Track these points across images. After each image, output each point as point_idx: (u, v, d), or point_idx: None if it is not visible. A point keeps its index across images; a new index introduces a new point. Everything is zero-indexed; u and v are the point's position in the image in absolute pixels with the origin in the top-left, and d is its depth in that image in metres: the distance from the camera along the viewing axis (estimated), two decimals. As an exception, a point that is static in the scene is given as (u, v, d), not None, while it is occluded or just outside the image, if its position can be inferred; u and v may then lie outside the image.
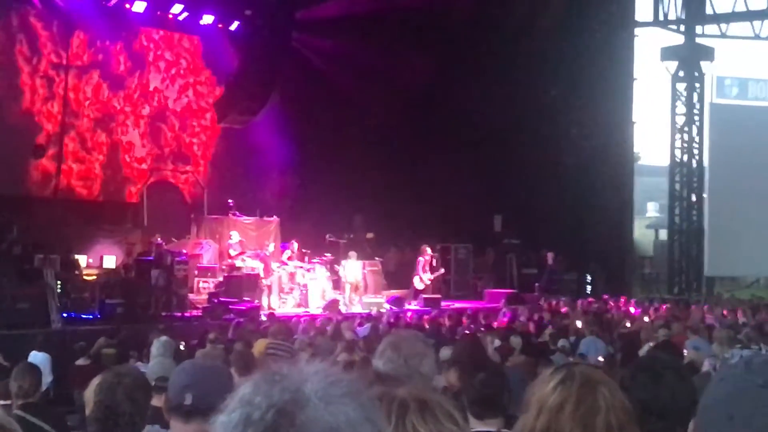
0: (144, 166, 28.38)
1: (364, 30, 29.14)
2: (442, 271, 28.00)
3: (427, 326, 18.29)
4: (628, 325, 20.21)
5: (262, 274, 24.64)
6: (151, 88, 28.68)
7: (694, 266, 36.97)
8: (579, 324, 18.37)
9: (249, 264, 24.83)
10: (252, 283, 24.08)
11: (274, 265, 24.95)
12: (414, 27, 30.27)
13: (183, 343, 15.71)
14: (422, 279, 27.08)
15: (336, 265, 25.81)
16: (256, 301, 23.38)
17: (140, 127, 28.42)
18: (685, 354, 14.04)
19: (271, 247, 25.85)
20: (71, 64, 26.09)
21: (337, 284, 26.12)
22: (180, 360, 12.24)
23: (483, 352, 13.34)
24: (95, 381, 4.62)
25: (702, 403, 2.30)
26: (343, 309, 23.90)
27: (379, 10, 28.80)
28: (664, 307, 25.05)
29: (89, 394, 4.68)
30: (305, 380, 2.00)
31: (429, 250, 27.59)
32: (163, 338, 10.00)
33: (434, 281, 27.48)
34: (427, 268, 27.29)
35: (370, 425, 2.00)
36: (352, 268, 25.85)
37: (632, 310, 24.56)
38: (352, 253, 26.21)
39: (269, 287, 24.51)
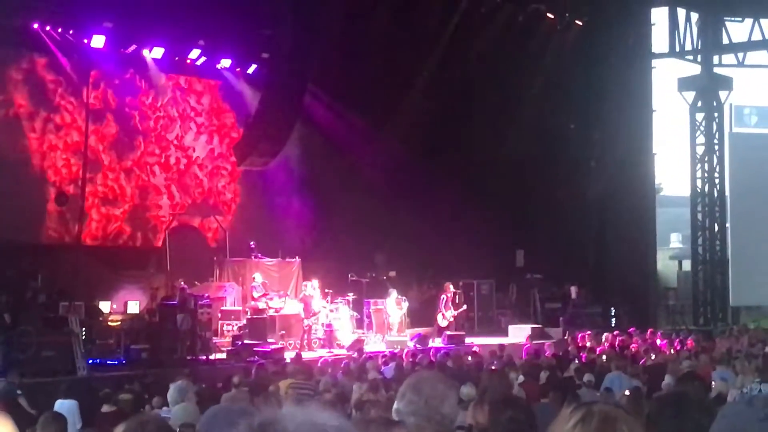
0: (167, 212, 28.45)
1: (379, 63, 29.28)
2: (465, 307, 27.98)
3: (450, 363, 18.24)
4: (653, 357, 20.11)
5: (302, 315, 24.67)
6: (173, 134, 28.82)
7: (718, 296, 36.81)
8: (604, 358, 18.32)
9: (273, 305, 24.86)
10: (280, 324, 24.13)
11: (315, 306, 24.91)
12: (433, 60, 30.41)
13: (204, 386, 15.76)
14: (445, 316, 27.07)
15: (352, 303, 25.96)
16: (285, 342, 23.44)
17: (163, 173, 28.52)
18: (713, 385, 14.01)
19: (309, 289, 25.60)
20: (91, 111, 26.24)
21: (360, 323, 26.15)
22: (204, 404, 12.29)
23: (510, 388, 13.34)
24: (118, 429, 4.64)
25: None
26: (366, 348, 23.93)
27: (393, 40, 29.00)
28: (690, 338, 24.90)
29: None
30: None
31: (451, 287, 27.59)
32: (180, 382, 9.92)
33: (457, 318, 27.45)
34: (450, 305, 27.27)
35: None
36: (394, 304, 26.12)
37: (658, 342, 24.43)
38: (392, 290, 26.43)
39: (309, 328, 24.56)
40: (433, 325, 27.39)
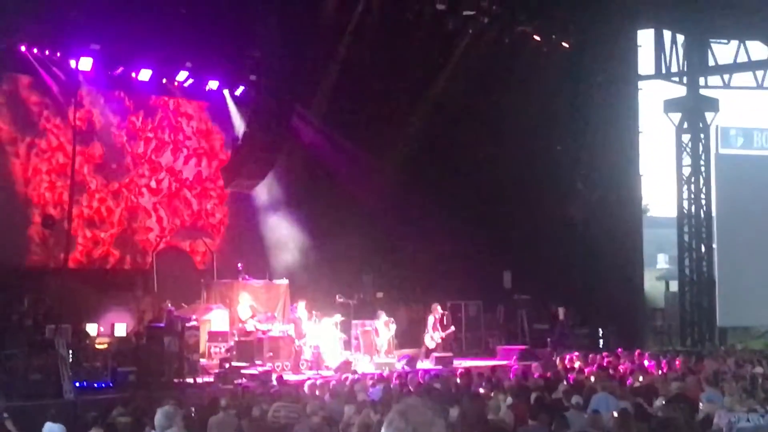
0: (154, 234, 28.41)
1: (366, 85, 29.39)
2: (453, 329, 27.96)
3: (438, 386, 18.22)
4: (641, 378, 20.11)
5: (293, 334, 24.65)
6: (161, 156, 28.80)
7: (706, 317, 36.90)
8: (592, 379, 18.32)
9: (261, 327, 24.81)
10: (268, 346, 24.08)
11: (305, 328, 24.91)
12: (420, 82, 30.50)
13: (193, 409, 15.71)
14: (433, 337, 27.06)
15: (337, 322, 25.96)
16: (276, 364, 23.41)
17: (151, 195, 28.48)
18: (700, 407, 14.04)
19: (298, 310, 25.60)
20: (77, 133, 26.18)
21: (347, 345, 26.12)
22: (192, 428, 12.24)
23: (489, 412, 13.37)
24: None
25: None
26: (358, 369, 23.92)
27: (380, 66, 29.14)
28: (679, 360, 24.92)
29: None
30: None
31: (439, 308, 27.60)
32: (167, 407, 9.83)
33: (445, 339, 27.43)
34: (438, 326, 27.27)
35: None
36: (383, 326, 26.20)
37: (645, 363, 24.45)
38: (380, 312, 26.46)
39: (300, 348, 24.53)
40: (421, 347, 27.36)
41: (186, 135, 29.45)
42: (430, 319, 27.25)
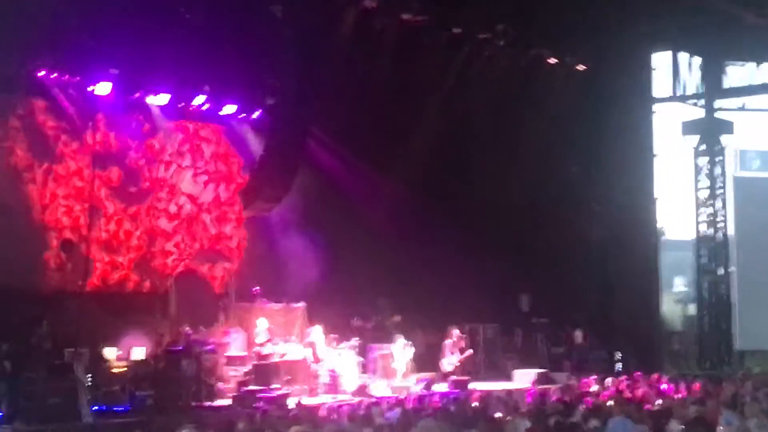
0: (172, 258, 28.45)
1: (382, 107, 29.49)
2: (470, 352, 27.90)
3: (454, 409, 18.19)
4: (659, 402, 20.02)
5: (310, 358, 24.65)
6: (179, 179, 28.86)
7: (724, 340, 36.76)
8: (610, 403, 18.25)
9: (279, 350, 24.84)
10: (285, 369, 24.10)
11: (321, 351, 24.96)
12: (436, 105, 30.53)
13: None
14: (450, 362, 27.03)
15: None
16: (291, 388, 23.42)
17: (168, 218, 28.52)
18: (719, 430, 13.98)
19: (314, 333, 25.69)
20: (95, 157, 26.28)
21: (365, 368, 26.11)
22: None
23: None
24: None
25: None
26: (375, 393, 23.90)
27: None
28: (697, 383, 24.80)
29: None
30: None
31: (457, 332, 27.57)
32: (185, 431, 9.89)
33: (462, 363, 27.40)
34: (455, 350, 27.24)
35: None
36: (401, 350, 26.18)
37: (664, 386, 24.35)
38: (398, 336, 26.43)
39: (317, 372, 24.55)
40: (437, 371, 27.32)
41: (204, 159, 29.50)
42: (447, 343, 27.21)
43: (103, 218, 27.06)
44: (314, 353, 24.82)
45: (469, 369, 28.10)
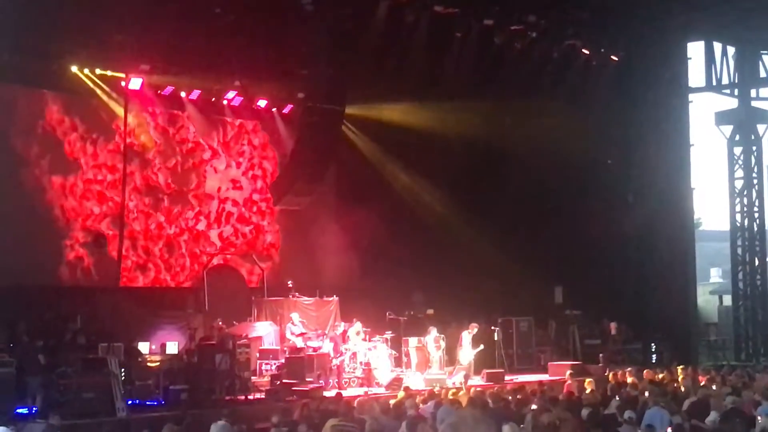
0: (205, 252, 28.50)
1: (414, 99, 29.44)
2: (482, 347, 27.31)
3: (490, 401, 18.10)
4: (695, 393, 19.86)
5: (332, 354, 24.63)
6: (210, 174, 28.92)
7: (760, 331, 36.46)
8: (645, 394, 18.14)
9: (311, 344, 24.82)
10: (318, 363, 24.05)
11: (343, 346, 24.94)
12: (469, 96, 30.37)
13: (245, 426, 15.71)
14: (466, 354, 26.71)
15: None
16: (321, 381, 23.36)
17: (201, 213, 28.59)
18: (758, 420, 13.83)
19: (341, 328, 25.76)
20: (128, 153, 26.35)
21: (399, 362, 26.05)
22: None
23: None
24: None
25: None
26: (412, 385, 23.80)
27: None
28: (733, 374, 24.60)
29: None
30: None
31: (475, 326, 27.11)
32: (221, 423, 9.88)
33: (501, 355, 27.42)
34: (468, 344, 26.86)
35: None
36: (434, 343, 26.04)
37: (700, 378, 24.15)
38: (431, 329, 26.29)
39: (339, 367, 24.51)
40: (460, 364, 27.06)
41: (235, 153, 29.57)
42: (466, 336, 26.88)
43: (137, 213, 27.17)
44: (335, 347, 24.75)
45: (503, 362, 28.05)
